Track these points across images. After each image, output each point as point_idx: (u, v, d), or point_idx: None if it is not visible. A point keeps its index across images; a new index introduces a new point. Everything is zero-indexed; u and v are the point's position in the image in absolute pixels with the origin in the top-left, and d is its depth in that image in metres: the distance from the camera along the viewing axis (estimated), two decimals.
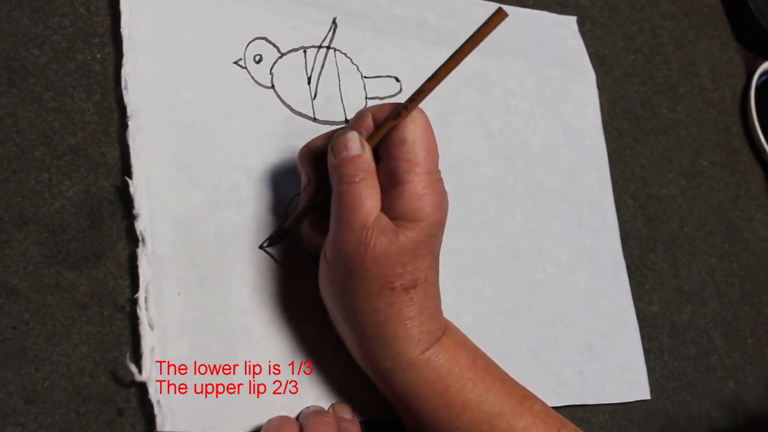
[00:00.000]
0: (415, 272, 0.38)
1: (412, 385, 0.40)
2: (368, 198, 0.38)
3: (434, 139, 0.39)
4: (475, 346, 0.43)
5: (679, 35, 0.71)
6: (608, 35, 0.66)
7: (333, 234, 0.38)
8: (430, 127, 0.39)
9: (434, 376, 0.40)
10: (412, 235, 0.38)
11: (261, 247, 0.44)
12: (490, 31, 0.37)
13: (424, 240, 0.38)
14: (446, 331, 0.41)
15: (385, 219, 0.38)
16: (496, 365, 0.43)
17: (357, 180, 0.38)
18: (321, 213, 0.42)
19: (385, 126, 0.39)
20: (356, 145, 0.39)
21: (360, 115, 0.40)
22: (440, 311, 0.41)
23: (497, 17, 0.36)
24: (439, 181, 0.39)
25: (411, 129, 0.38)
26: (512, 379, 0.43)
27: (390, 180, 0.39)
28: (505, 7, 0.59)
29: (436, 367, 0.40)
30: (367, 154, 0.39)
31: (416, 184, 0.38)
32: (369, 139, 0.39)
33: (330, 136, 0.41)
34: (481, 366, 0.42)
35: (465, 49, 0.37)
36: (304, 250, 0.45)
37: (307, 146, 0.42)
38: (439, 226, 0.39)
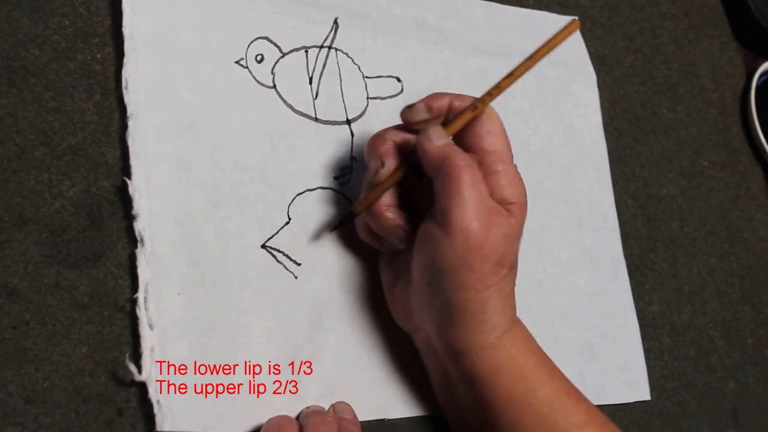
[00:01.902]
0: (516, 252, 0.42)
1: (497, 360, 0.42)
2: (483, 182, 0.40)
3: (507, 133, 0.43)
4: None
5: (679, 35, 0.71)
6: (608, 35, 0.66)
7: (452, 214, 0.40)
8: (502, 121, 0.43)
9: (516, 351, 0.42)
10: (517, 219, 0.41)
11: (264, 246, 0.44)
12: (567, 36, 0.42)
13: (522, 222, 0.42)
14: (516, 315, 0.44)
15: (495, 203, 0.41)
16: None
17: (469, 163, 0.40)
18: (395, 195, 0.43)
19: (462, 118, 0.42)
20: (445, 135, 0.41)
21: (437, 96, 0.43)
22: None
23: (571, 26, 0.42)
24: (518, 171, 0.43)
25: (491, 122, 0.42)
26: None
27: (482, 170, 0.41)
28: (506, 7, 0.60)
29: (517, 342, 0.42)
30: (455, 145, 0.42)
31: (506, 173, 0.42)
32: (446, 129, 0.42)
33: (402, 130, 0.43)
34: (542, 351, 0.44)
35: (542, 51, 0.42)
36: (304, 249, 0.45)
37: (382, 136, 0.44)
38: (527, 210, 0.42)
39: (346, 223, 0.45)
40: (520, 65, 0.42)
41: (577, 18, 0.41)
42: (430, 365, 0.45)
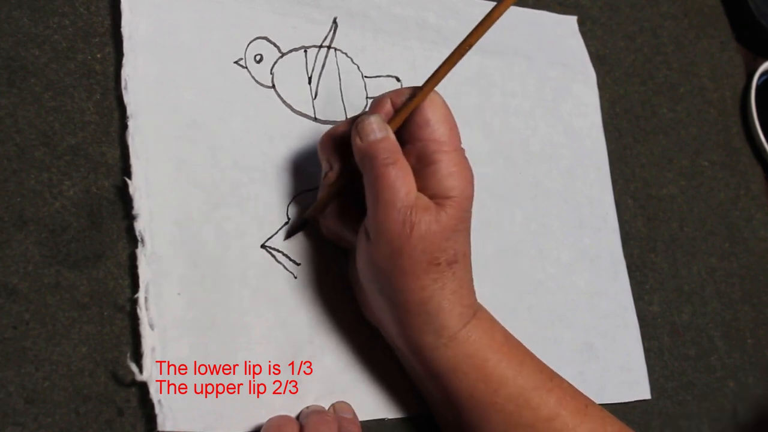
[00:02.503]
0: (456, 246, 0.40)
1: (453, 360, 0.41)
2: (406, 178, 0.39)
3: (454, 118, 0.41)
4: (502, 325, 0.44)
5: (679, 35, 0.71)
6: (608, 35, 0.66)
7: (374, 216, 0.39)
8: (448, 107, 0.41)
9: (473, 350, 0.41)
10: (452, 211, 0.39)
11: (263, 245, 0.44)
12: (504, 11, 0.38)
13: (462, 215, 0.40)
14: (479, 307, 0.43)
15: (424, 198, 0.39)
16: (521, 343, 0.44)
17: (392, 161, 0.39)
18: (343, 200, 0.43)
19: (406, 109, 0.40)
20: (382, 127, 0.39)
21: (378, 100, 0.41)
22: (473, 286, 0.42)
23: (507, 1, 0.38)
24: (465, 157, 0.41)
25: (432, 110, 0.40)
26: (536, 357, 0.44)
27: (419, 161, 0.40)
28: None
29: (475, 340, 0.41)
30: (393, 137, 0.40)
31: (447, 162, 0.39)
32: (390, 123, 0.40)
33: (351, 123, 0.41)
34: (513, 342, 0.43)
35: (478, 31, 0.38)
36: (304, 249, 0.45)
37: (328, 133, 0.43)
38: (472, 201, 0.41)
39: (299, 230, 0.45)
40: (458, 48, 0.39)
41: None
42: (400, 360, 0.45)
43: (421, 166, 0.39)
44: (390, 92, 0.41)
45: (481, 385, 0.41)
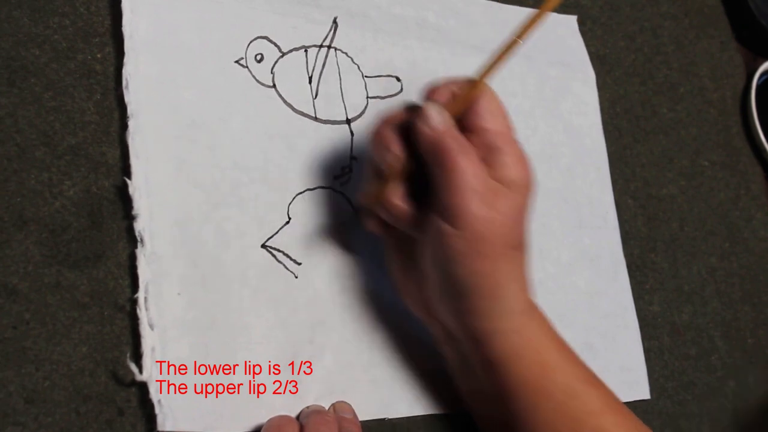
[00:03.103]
0: (524, 231, 0.41)
1: (515, 346, 0.41)
2: (479, 164, 0.39)
3: (506, 110, 0.42)
4: None
5: (679, 35, 0.71)
6: (608, 35, 0.66)
7: (452, 201, 0.39)
8: (500, 99, 0.42)
9: (533, 338, 0.42)
10: (523, 198, 0.40)
11: (264, 245, 0.44)
12: (551, 8, 0.40)
13: (528, 201, 0.41)
14: (535, 303, 0.43)
15: (497, 183, 0.40)
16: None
17: (463, 149, 0.39)
18: (402, 187, 0.42)
19: (464, 99, 0.40)
20: (447, 116, 0.40)
21: (434, 90, 0.41)
22: None
23: None
24: (521, 146, 0.42)
25: (489, 100, 0.41)
26: None
27: (481, 150, 0.40)
28: (505, 6, 0.60)
29: (536, 327, 0.42)
30: (455, 126, 0.40)
31: (511, 151, 0.40)
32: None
33: (406, 112, 0.42)
34: (562, 339, 0.44)
35: (530, 23, 0.40)
36: (304, 249, 0.45)
37: (386, 122, 0.42)
38: (533, 188, 0.42)
39: (357, 217, 0.45)
40: (509, 44, 0.40)
41: None
42: (449, 353, 0.45)
43: (485, 155, 0.40)
44: (445, 81, 0.42)
45: (537, 370, 0.42)
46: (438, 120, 0.40)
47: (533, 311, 0.43)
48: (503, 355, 0.41)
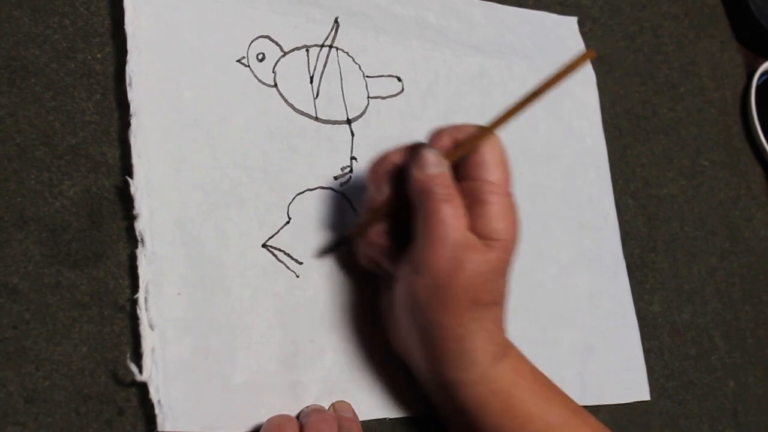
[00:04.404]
0: (499, 289, 0.40)
1: (482, 397, 0.41)
2: (459, 217, 0.39)
3: (509, 162, 0.41)
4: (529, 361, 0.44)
5: (679, 35, 0.71)
6: (608, 35, 0.66)
7: (423, 250, 0.39)
8: (505, 150, 0.41)
9: (502, 387, 0.41)
10: (498, 254, 0.39)
11: (265, 245, 0.44)
12: (579, 65, 0.39)
13: (507, 258, 0.40)
14: (510, 344, 0.43)
15: (474, 237, 0.39)
16: (549, 379, 0.44)
17: (448, 198, 0.39)
18: (386, 226, 0.42)
19: (466, 147, 0.40)
20: (442, 161, 0.40)
21: (438, 134, 0.41)
22: (506, 325, 0.43)
23: (586, 55, 0.38)
24: (514, 202, 0.41)
25: (491, 151, 0.40)
26: (565, 393, 0.44)
27: (471, 200, 0.40)
28: (505, 7, 0.60)
29: (505, 378, 0.41)
30: (450, 173, 0.40)
31: (500, 205, 0.40)
32: (446, 158, 0.40)
33: (406, 152, 0.41)
34: (540, 379, 0.43)
35: (552, 81, 0.39)
36: (304, 249, 0.45)
37: (383, 159, 0.42)
38: (517, 245, 0.41)
39: (339, 248, 0.45)
40: (529, 96, 0.39)
41: (592, 49, 0.38)
42: (427, 395, 0.45)
43: (472, 205, 0.40)
44: (450, 126, 0.41)
45: (507, 422, 0.41)
46: (431, 166, 0.39)
47: (504, 357, 0.42)
48: (471, 405, 0.41)
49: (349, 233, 0.45)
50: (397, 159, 0.42)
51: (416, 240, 0.40)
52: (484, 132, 0.40)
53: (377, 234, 0.42)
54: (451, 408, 0.43)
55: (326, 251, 0.45)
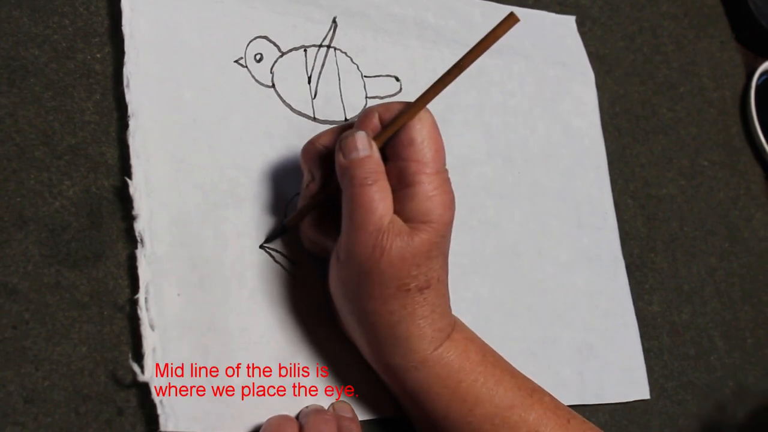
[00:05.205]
0: (429, 272, 0.38)
1: (425, 383, 0.40)
2: (382, 201, 0.37)
3: (441, 138, 0.39)
4: (483, 341, 0.43)
5: (679, 35, 0.71)
6: (608, 35, 0.66)
7: (346, 236, 0.38)
8: (437, 127, 0.39)
9: (446, 372, 0.40)
10: (425, 236, 0.38)
11: (262, 246, 0.44)
12: (502, 34, 0.36)
13: (437, 241, 0.38)
14: (455, 327, 0.42)
15: (399, 221, 0.38)
16: (503, 359, 0.43)
17: (370, 182, 0.37)
18: (322, 211, 0.42)
19: (393, 126, 0.38)
20: (366, 145, 0.38)
21: (366, 114, 0.40)
22: (450, 308, 0.41)
23: (509, 21, 0.36)
24: (448, 180, 0.39)
25: (419, 129, 0.38)
26: (520, 372, 0.43)
27: (399, 181, 0.38)
28: (504, 7, 0.60)
29: (448, 363, 0.40)
30: (377, 155, 0.38)
31: (427, 185, 0.38)
32: (376, 139, 0.39)
33: (336, 134, 0.40)
34: (490, 360, 0.42)
35: (475, 53, 0.37)
36: (303, 249, 0.45)
37: (311, 143, 0.41)
38: (449, 226, 0.39)
39: (278, 236, 0.44)
40: (453, 68, 0.37)
41: (513, 11, 0.36)
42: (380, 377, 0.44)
43: (401, 186, 0.38)
44: (379, 105, 0.40)
45: (455, 406, 0.40)
46: (354, 148, 0.38)
47: (449, 344, 0.40)
48: (415, 389, 0.40)
49: (287, 221, 0.44)
50: (327, 142, 0.41)
51: (342, 226, 0.39)
52: (409, 109, 0.38)
53: (314, 221, 0.41)
54: (400, 392, 0.42)
55: (268, 239, 0.44)
